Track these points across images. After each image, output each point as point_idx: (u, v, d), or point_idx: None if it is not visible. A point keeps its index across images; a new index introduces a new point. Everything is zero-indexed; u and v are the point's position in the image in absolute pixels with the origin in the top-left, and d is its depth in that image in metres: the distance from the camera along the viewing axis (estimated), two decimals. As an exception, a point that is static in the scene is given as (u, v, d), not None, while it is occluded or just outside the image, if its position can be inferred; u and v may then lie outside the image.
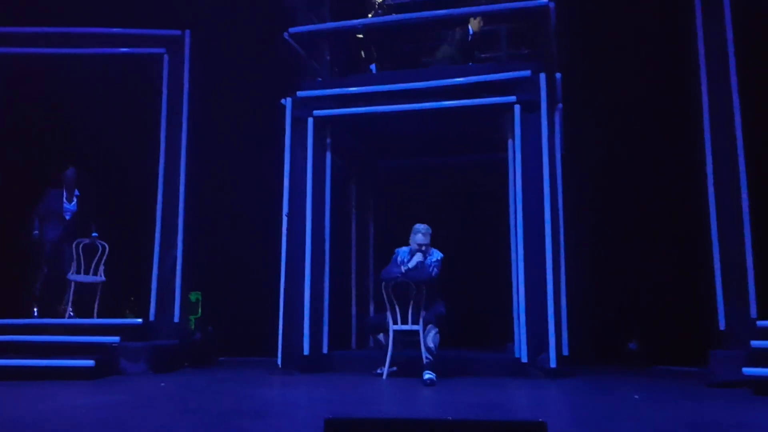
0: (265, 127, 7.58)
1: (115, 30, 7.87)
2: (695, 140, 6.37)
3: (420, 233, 6.27)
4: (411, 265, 6.20)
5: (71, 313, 7.17)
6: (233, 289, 8.33)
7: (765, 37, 6.15)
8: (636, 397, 5.02)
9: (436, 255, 6.25)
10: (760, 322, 5.71)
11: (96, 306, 7.22)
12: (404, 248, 6.38)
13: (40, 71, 7.96)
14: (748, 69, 6.25)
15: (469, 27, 6.99)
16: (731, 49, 6.28)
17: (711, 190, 6.26)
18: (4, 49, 7.72)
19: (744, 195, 6.12)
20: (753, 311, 5.94)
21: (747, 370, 5.14)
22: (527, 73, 6.53)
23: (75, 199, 7.44)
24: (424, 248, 6.25)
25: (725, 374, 5.49)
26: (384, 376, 6.11)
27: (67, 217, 7.41)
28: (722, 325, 6.04)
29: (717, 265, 6.15)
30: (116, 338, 6.58)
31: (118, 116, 8.03)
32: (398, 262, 6.30)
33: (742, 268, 6.06)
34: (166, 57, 7.83)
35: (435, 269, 6.17)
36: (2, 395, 5.09)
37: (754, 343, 5.39)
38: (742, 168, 6.15)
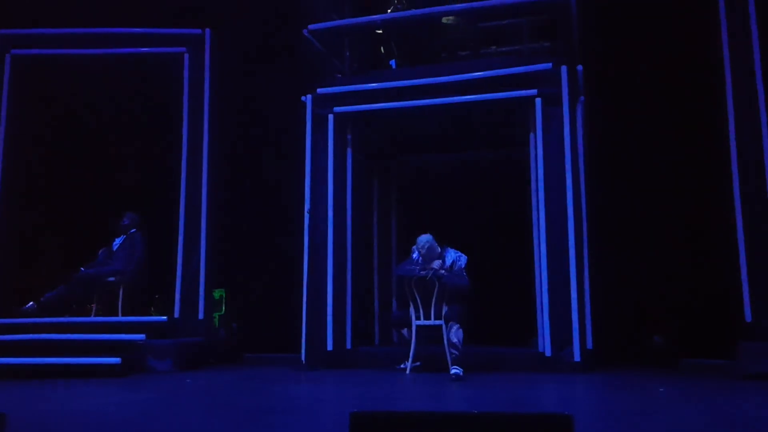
0: (287, 124, 7.61)
1: (135, 30, 7.92)
2: (720, 132, 6.30)
3: (417, 251, 6.23)
4: (428, 276, 6.12)
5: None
6: (257, 286, 8.39)
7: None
8: (661, 390, 4.99)
9: (462, 260, 6.18)
10: (787, 314, 5.66)
11: (120, 304, 7.29)
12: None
13: (59, 72, 8.04)
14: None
15: None
16: (756, 44, 6.19)
17: (736, 182, 6.19)
18: (26, 51, 7.81)
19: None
20: (780, 302, 5.88)
21: (775, 362, 5.09)
22: (548, 66, 6.49)
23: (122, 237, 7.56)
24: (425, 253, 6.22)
25: (753, 366, 5.44)
26: (407, 371, 6.13)
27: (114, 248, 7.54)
28: (748, 317, 5.98)
29: (743, 257, 6.08)
30: (142, 336, 6.65)
31: (140, 115, 8.11)
32: (415, 260, 6.29)
33: (768, 259, 5.99)
34: (186, 56, 7.86)
35: (465, 278, 6.11)
36: (32, 394, 5.17)
37: (781, 334, 5.34)
38: (767, 157, 6.07)
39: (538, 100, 6.47)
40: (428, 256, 6.16)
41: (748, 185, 6.15)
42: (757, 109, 6.15)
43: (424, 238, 6.19)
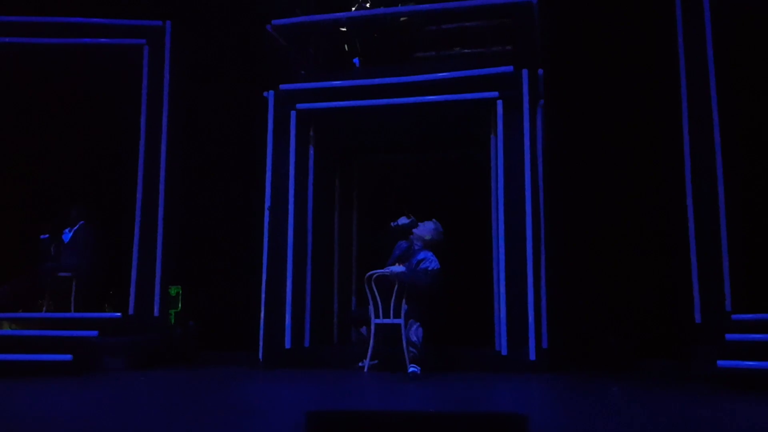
0: (248, 120, 7.54)
1: (93, 20, 7.73)
2: (675, 137, 6.46)
3: (422, 225, 6.43)
4: (395, 254, 6.26)
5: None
6: (214, 283, 8.27)
7: (744, 38, 6.27)
8: (615, 389, 5.08)
9: (433, 264, 6.19)
10: (735, 316, 5.82)
11: (73, 300, 7.12)
12: (403, 242, 6.43)
13: (13, 60, 7.80)
14: (726, 68, 6.36)
15: None
16: (710, 51, 6.38)
17: (689, 186, 6.36)
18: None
19: (720, 192, 6.21)
20: (728, 304, 6.04)
21: (722, 363, 5.22)
22: (510, 69, 6.56)
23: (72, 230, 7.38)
24: (411, 236, 6.31)
25: (702, 367, 5.58)
26: (365, 369, 6.12)
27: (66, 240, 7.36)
28: (698, 319, 6.14)
29: (693, 259, 6.25)
30: (95, 332, 6.50)
31: (99, 107, 7.93)
32: (395, 257, 6.37)
33: (718, 262, 6.16)
34: (146, 48, 7.71)
35: (428, 277, 6.12)
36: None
37: (729, 336, 5.49)
38: (719, 164, 6.26)
39: (499, 102, 6.54)
40: (415, 230, 6.27)
41: (700, 189, 6.32)
42: (710, 115, 6.32)
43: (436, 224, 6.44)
